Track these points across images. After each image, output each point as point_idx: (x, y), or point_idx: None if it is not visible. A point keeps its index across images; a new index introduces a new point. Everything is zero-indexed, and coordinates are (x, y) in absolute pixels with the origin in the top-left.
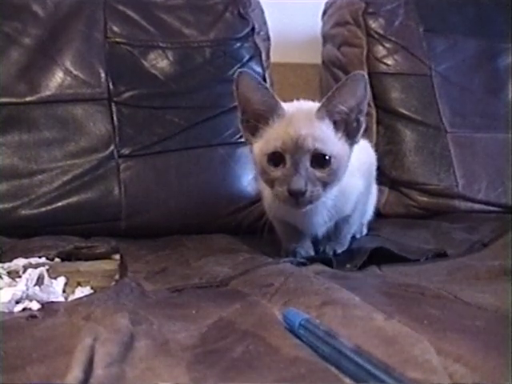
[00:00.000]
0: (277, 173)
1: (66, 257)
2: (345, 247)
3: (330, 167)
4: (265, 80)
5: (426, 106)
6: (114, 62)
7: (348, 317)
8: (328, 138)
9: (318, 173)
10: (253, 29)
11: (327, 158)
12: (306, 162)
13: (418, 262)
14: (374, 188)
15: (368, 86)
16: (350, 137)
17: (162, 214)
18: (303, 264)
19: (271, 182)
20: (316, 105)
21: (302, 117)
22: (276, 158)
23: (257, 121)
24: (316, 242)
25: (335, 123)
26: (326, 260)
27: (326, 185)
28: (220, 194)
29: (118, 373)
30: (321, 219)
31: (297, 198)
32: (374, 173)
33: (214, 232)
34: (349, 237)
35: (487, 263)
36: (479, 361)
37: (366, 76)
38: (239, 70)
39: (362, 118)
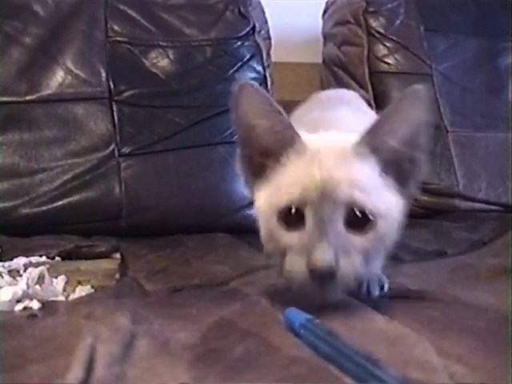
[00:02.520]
0: (291, 238)
1: (67, 256)
2: (385, 281)
3: (374, 230)
4: (265, 79)
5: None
6: (115, 61)
7: (348, 318)
8: (372, 185)
9: (357, 238)
10: (253, 28)
11: (371, 215)
12: (339, 220)
13: (418, 261)
14: None
15: (428, 107)
16: (402, 184)
17: (162, 213)
18: None
19: (281, 253)
20: (353, 137)
21: (332, 153)
22: (291, 216)
23: (263, 158)
24: None
25: (383, 164)
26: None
27: (368, 257)
28: (220, 193)
29: (118, 372)
30: None
31: (322, 281)
32: None
33: (214, 231)
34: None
35: (487, 262)
36: (480, 361)
37: (424, 92)
38: (241, 82)
39: (420, 156)
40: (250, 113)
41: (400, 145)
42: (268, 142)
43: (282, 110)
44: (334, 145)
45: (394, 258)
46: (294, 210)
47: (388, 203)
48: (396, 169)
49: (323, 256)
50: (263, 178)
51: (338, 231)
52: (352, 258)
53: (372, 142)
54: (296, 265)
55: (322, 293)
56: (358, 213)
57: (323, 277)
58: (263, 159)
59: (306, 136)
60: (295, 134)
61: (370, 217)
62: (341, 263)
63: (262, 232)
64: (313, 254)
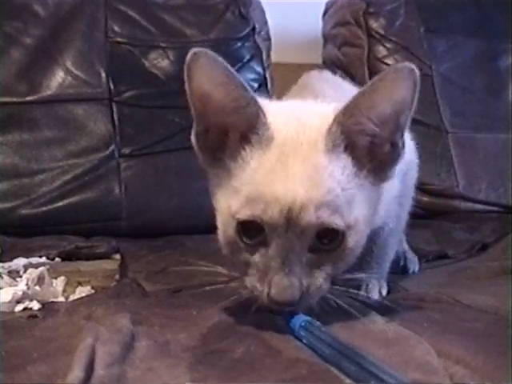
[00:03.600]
0: (251, 256)
1: (67, 256)
2: (383, 285)
3: (343, 245)
4: (265, 80)
5: (426, 107)
6: (115, 62)
7: (348, 319)
8: (344, 195)
9: (324, 260)
10: (253, 29)
11: (340, 232)
12: (304, 247)
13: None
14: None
15: (417, 88)
16: (379, 171)
17: (162, 214)
18: None
19: (242, 265)
20: (326, 113)
21: (300, 152)
22: (252, 230)
23: (221, 135)
24: None
25: (355, 151)
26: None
27: (335, 272)
28: None
29: (118, 373)
30: None
31: (283, 308)
32: (416, 174)
33: (214, 232)
34: (387, 264)
35: (487, 263)
36: (479, 362)
37: (417, 72)
38: (193, 49)
39: (400, 140)
40: (206, 81)
41: (380, 125)
42: (226, 116)
43: (245, 84)
44: (302, 133)
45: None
46: (255, 226)
47: (359, 210)
48: (372, 154)
49: (283, 291)
50: (222, 162)
51: (302, 259)
52: (316, 281)
53: (347, 123)
54: (257, 289)
55: (281, 313)
56: (326, 233)
57: (284, 306)
58: (221, 136)
59: (271, 109)
60: (260, 111)
61: (340, 232)
62: (304, 292)
63: (221, 236)
64: (273, 286)
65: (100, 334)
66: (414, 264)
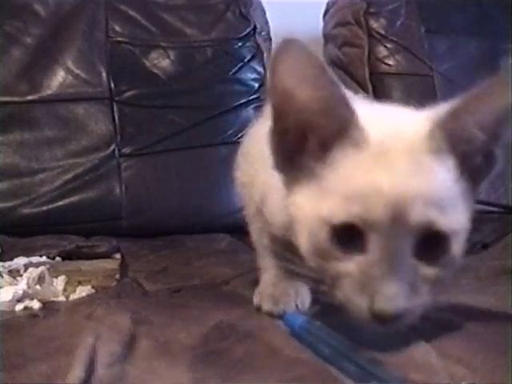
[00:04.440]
0: (348, 265)
1: (67, 256)
2: None
3: (447, 253)
4: (266, 80)
5: (427, 107)
6: (116, 62)
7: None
8: (450, 196)
9: (427, 269)
10: (254, 29)
11: (445, 237)
12: (410, 249)
13: None
14: None
15: None
16: (473, 180)
17: (162, 214)
18: None
19: (333, 277)
20: (419, 117)
21: (402, 149)
22: (347, 236)
23: (303, 137)
24: None
25: (458, 157)
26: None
27: (437, 287)
28: (221, 193)
29: (119, 372)
30: None
31: (386, 323)
32: None
33: (214, 232)
34: None
35: (487, 263)
36: (480, 362)
37: None
38: (284, 37)
39: (500, 151)
40: (292, 75)
41: (484, 135)
42: (312, 116)
43: (337, 81)
44: (401, 133)
45: None
46: (352, 230)
47: (462, 217)
48: (470, 166)
49: (392, 300)
50: (303, 167)
51: (408, 264)
52: (421, 295)
53: (451, 128)
54: (355, 303)
55: (380, 330)
56: (431, 237)
57: (388, 321)
58: (302, 139)
59: (364, 115)
60: (353, 114)
61: (446, 237)
62: (410, 304)
63: (305, 244)
64: (378, 296)
65: (100, 334)
66: None
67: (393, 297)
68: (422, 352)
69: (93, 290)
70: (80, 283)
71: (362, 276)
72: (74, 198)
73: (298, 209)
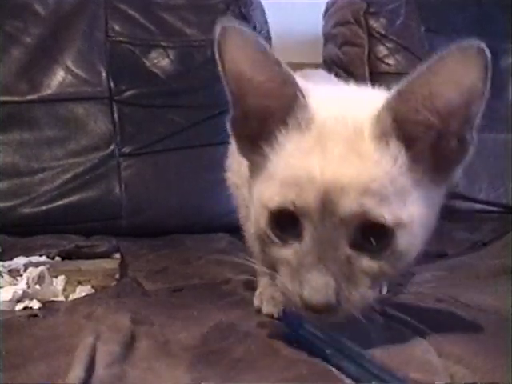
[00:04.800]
0: (283, 252)
1: (67, 255)
2: (383, 284)
3: (392, 246)
4: None
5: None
6: (115, 61)
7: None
8: (393, 184)
9: (367, 260)
10: (254, 28)
11: (388, 228)
12: (344, 240)
13: (417, 262)
14: None
15: (489, 71)
16: (442, 170)
17: (162, 213)
18: None
19: (272, 262)
20: (375, 98)
21: (343, 134)
22: (286, 222)
23: (261, 123)
24: None
25: (412, 143)
26: None
27: (380, 281)
28: (221, 193)
29: (119, 372)
30: None
31: (319, 314)
32: None
33: (214, 231)
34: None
35: (487, 262)
36: (480, 362)
37: (487, 52)
38: (221, 23)
39: (470, 135)
40: (240, 59)
41: (442, 117)
42: (264, 97)
43: (281, 61)
44: (347, 116)
45: None
46: (288, 216)
47: (413, 207)
48: (434, 148)
49: (318, 292)
50: (260, 149)
51: (341, 255)
52: (359, 287)
53: (401, 110)
54: (288, 291)
55: (319, 321)
56: (370, 228)
57: (320, 311)
58: (261, 122)
59: (314, 95)
60: (299, 92)
61: (388, 229)
62: (343, 296)
63: (252, 228)
64: (306, 285)
65: (100, 334)
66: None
67: (319, 287)
68: (422, 351)
69: (92, 290)
70: (80, 283)
71: (297, 263)
72: (74, 198)
73: (251, 195)
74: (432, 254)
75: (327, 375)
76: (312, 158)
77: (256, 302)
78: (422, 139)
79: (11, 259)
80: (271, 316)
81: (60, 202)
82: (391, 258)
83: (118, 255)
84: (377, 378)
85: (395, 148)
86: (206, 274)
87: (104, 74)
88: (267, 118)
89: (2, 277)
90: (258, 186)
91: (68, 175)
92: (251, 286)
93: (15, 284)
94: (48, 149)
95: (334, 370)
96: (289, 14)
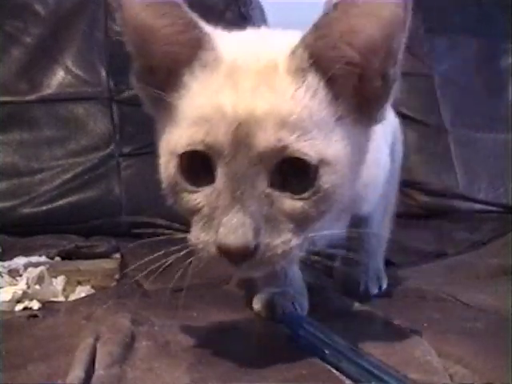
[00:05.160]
0: (195, 198)
1: (67, 255)
2: (382, 278)
3: (316, 185)
4: None
5: (426, 106)
6: (115, 61)
7: (348, 319)
8: (314, 119)
9: (289, 201)
10: None
11: (311, 165)
12: (261, 177)
13: (417, 262)
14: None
15: (409, 4)
16: (367, 109)
17: (162, 213)
18: None
19: (188, 212)
20: (293, 36)
21: (255, 69)
22: (196, 165)
23: (166, 72)
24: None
25: (331, 80)
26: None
27: (304, 226)
28: None
29: (118, 373)
30: None
31: (237, 262)
32: (401, 152)
33: None
34: (382, 254)
35: (487, 262)
36: (480, 362)
37: None
38: None
39: (393, 71)
40: (138, 6)
41: (364, 53)
42: (167, 44)
43: (181, 3)
44: (259, 53)
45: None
46: (199, 158)
47: (339, 147)
48: (358, 86)
49: (234, 232)
50: (170, 104)
51: (259, 193)
52: (281, 231)
53: (318, 45)
54: (202, 240)
55: (238, 269)
56: (291, 165)
57: (237, 258)
58: (167, 72)
59: (222, 38)
60: (203, 34)
61: (311, 166)
62: (263, 241)
63: (162, 180)
64: (222, 228)
65: (100, 334)
66: (377, 284)
67: (236, 228)
68: (422, 352)
69: (92, 290)
70: (79, 283)
71: (211, 208)
72: (74, 198)
73: (159, 148)
74: (432, 253)
75: (327, 375)
76: (222, 95)
77: (256, 307)
78: (343, 76)
79: (11, 259)
80: (271, 319)
81: (60, 202)
82: (315, 198)
83: (117, 255)
84: (376, 379)
85: (314, 83)
86: (205, 274)
87: (104, 74)
88: (173, 65)
89: (2, 277)
90: (166, 136)
91: (68, 175)
92: (251, 287)
93: (15, 284)
94: (48, 149)
95: (333, 370)
96: (289, 14)
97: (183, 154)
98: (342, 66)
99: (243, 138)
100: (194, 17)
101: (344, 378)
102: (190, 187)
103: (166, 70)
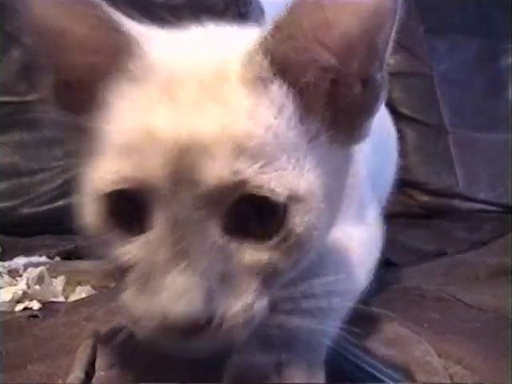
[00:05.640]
0: (129, 249)
1: (67, 255)
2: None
3: (284, 231)
4: None
5: (426, 106)
6: None
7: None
8: (280, 142)
9: (251, 252)
10: None
11: (279, 204)
12: (212, 222)
13: (417, 262)
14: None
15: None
16: (346, 124)
17: None
18: None
19: (119, 269)
20: (250, 41)
21: (198, 78)
22: (127, 209)
23: (89, 85)
24: None
25: (301, 91)
26: None
27: (272, 281)
28: None
29: (118, 373)
30: None
31: (181, 337)
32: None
33: None
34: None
35: (487, 262)
36: (480, 362)
37: None
38: None
39: (380, 75)
40: (52, 13)
41: (339, 54)
42: (87, 57)
43: (103, 4)
44: (205, 60)
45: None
46: (129, 198)
47: (312, 174)
48: (333, 96)
49: (178, 302)
50: (89, 129)
51: (210, 244)
52: (242, 293)
53: (283, 51)
54: (135, 308)
55: (184, 351)
56: (253, 204)
57: (182, 334)
58: (87, 89)
59: (156, 41)
60: (129, 38)
61: (277, 206)
62: (218, 306)
63: (85, 227)
64: (162, 295)
65: (100, 335)
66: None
67: (180, 294)
68: (422, 352)
69: (92, 290)
70: (79, 283)
71: (147, 266)
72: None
73: (78, 184)
74: (432, 253)
75: (328, 375)
76: (155, 114)
77: None
78: (315, 84)
79: (11, 259)
80: None
81: (60, 202)
82: (285, 245)
83: None
84: (376, 379)
85: (279, 96)
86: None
87: None
88: (94, 78)
89: (2, 277)
90: (89, 170)
91: (68, 175)
92: None
93: (15, 284)
94: (47, 149)
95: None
96: None
97: (110, 193)
98: (312, 71)
99: (186, 170)
100: (118, 17)
101: (344, 378)
102: (119, 236)
103: (86, 85)
